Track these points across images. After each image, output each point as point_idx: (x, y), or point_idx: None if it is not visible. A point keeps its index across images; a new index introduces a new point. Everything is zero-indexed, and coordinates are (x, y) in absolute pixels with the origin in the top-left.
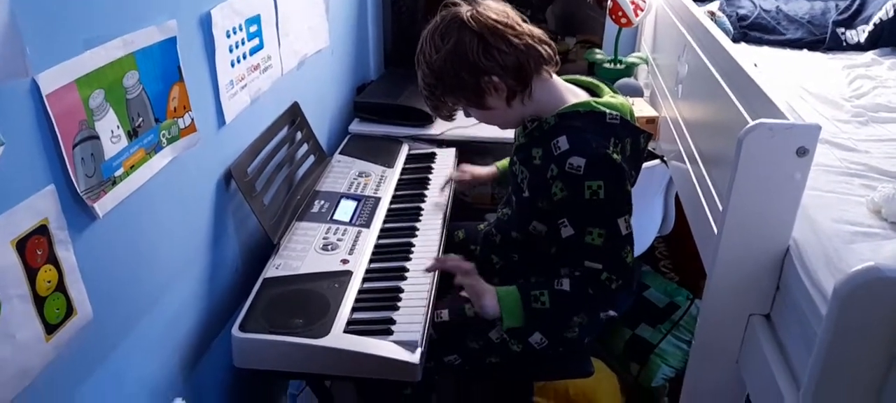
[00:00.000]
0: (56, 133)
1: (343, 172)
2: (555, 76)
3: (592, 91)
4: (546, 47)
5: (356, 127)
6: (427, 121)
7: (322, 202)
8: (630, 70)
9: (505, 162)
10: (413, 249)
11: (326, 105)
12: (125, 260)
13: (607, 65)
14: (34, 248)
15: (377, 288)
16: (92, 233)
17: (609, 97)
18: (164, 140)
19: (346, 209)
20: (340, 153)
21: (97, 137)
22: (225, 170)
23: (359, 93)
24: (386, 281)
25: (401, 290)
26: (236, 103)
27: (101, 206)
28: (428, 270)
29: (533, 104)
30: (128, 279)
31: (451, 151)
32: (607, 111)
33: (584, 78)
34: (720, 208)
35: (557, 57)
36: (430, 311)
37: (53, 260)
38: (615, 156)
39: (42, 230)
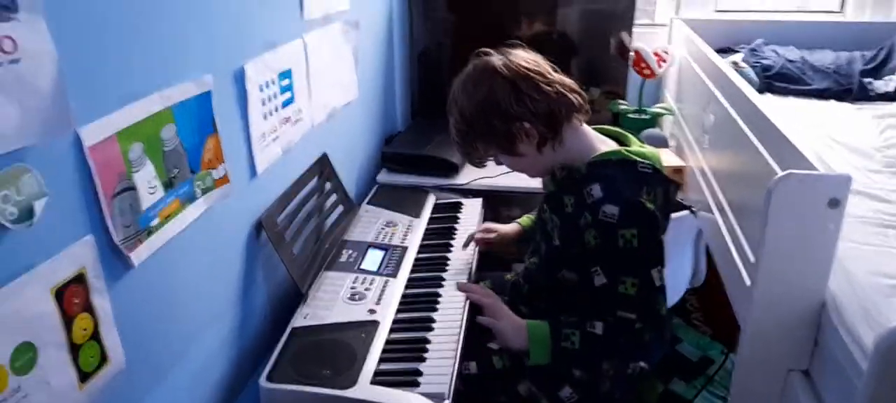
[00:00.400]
0: (96, 185)
1: (371, 222)
2: (584, 125)
3: (620, 141)
4: (577, 96)
5: (384, 177)
6: (453, 171)
7: (350, 251)
8: (655, 120)
9: (527, 218)
10: (440, 300)
11: (355, 156)
12: (158, 309)
13: (632, 115)
14: (71, 297)
15: (404, 338)
16: (127, 282)
17: (638, 147)
18: (198, 191)
19: (373, 258)
20: (368, 203)
21: (135, 188)
22: (256, 220)
23: (386, 144)
24: (413, 332)
25: (428, 341)
26: (268, 155)
27: (137, 256)
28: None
29: (563, 151)
30: (160, 328)
31: (478, 202)
32: (639, 159)
33: (611, 128)
34: (752, 259)
35: (587, 105)
36: (458, 363)
37: (89, 308)
38: (649, 204)
39: (80, 279)
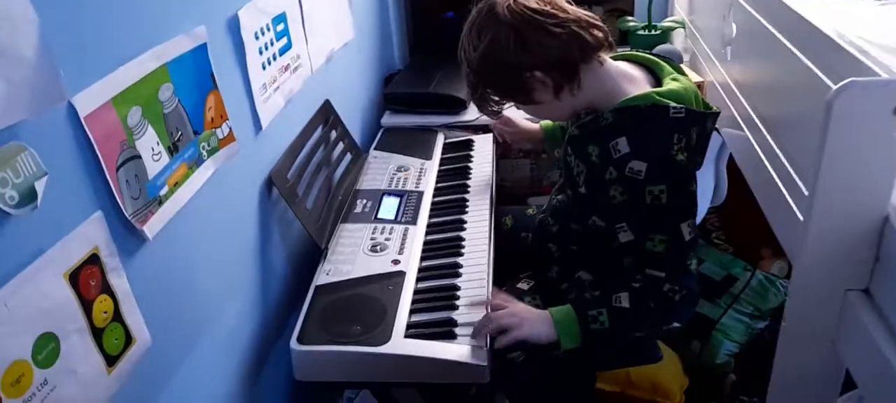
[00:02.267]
0: (98, 157)
1: (381, 168)
2: (609, 61)
3: (653, 72)
4: (595, 32)
5: (388, 119)
6: (460, 107)
7: (364, 201)
8: (666, 36)
9: (549, 123)
10: (464, 243)
11: (356, 100)
12: (179, 281)
13: (641, 31)
14: (87, 279)
15: (433, 287)
16: (143, 257)
17: (671, 83)
18: (204, 152)
19: (389, 206)
20: (376, 149)
21: (139, 156)
22: (266, 177)
23: (387, 85)
24: (441, 279)
25: (457, 288)
26: (271, 107)
27: (150, 228)
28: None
29: (584, 94)
30: (182, 299)
31: (489, 138)
32: (671, 104)
33: (640, 54)
34: (794, 176)
35: (610, 39)
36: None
37: (107, 289)
38: (679, 156)
39: (94, 259)
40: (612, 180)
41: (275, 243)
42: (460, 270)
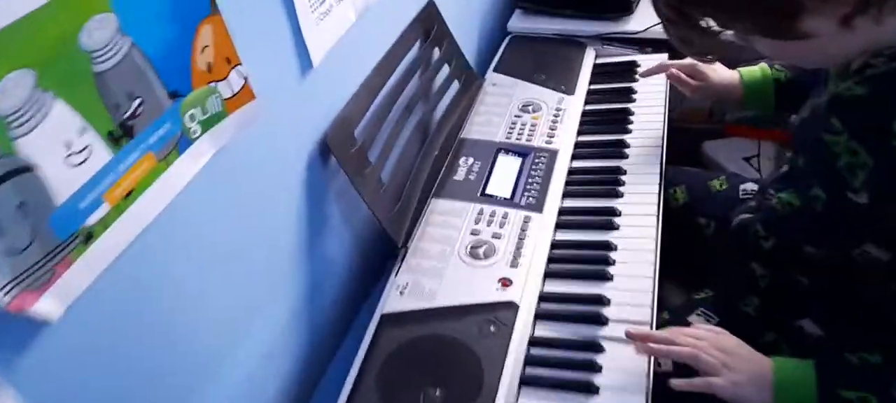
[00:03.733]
0: None
1: (499, 104)
2: None
3: None
4: None
5: (518, 22)
6: (624, 10)
7: (470, 160)
8: None
9: (751, 73)
10: (614, 252)
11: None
12: (138, 356)
13: None
14: None
15: (561, 340)
16: (56, 348)
17: None
18: (193, 126)
19: (505, 174)
20: (496, 70)
21: (28, 169)
22: (319, 139)
23: None
24: (575, 322)
25: (600, 348)
26: (329, 29)
27: (60, 296)
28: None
29: (881, 30)
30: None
31: (662, 59)
32: None
33: None
34: None
35: None
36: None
37: None
38: None
39: None
40: None
41: (325, 237)
42: (607, 305)
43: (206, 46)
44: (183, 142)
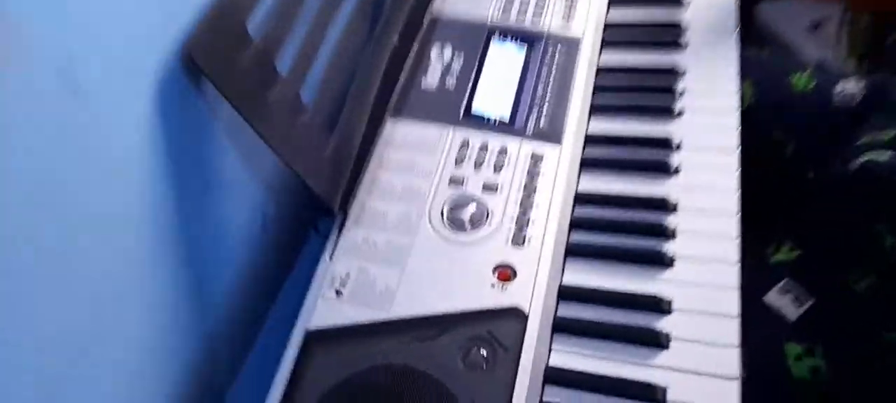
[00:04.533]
0: None
1: None
2: None
3: None
4: None
5: None
6: None
7: (445, 51)
8: None
9: None
10: (673, 215)
11: None
12: None
13: None
14: None
15: (596, 376)
16: None
17: None
18: None
19: (502, 74)
20: None
21: None
22: (175, 54)
23: None
24: (619, 341)
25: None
26: None
27: None
28: None
29: None
30: None
31: None
32: None
33: None
34: None
35: None
36: None
37: None
38: None
39: None
40: None
41: (210, 205)
42: (667, 301)
43: None
44: None
